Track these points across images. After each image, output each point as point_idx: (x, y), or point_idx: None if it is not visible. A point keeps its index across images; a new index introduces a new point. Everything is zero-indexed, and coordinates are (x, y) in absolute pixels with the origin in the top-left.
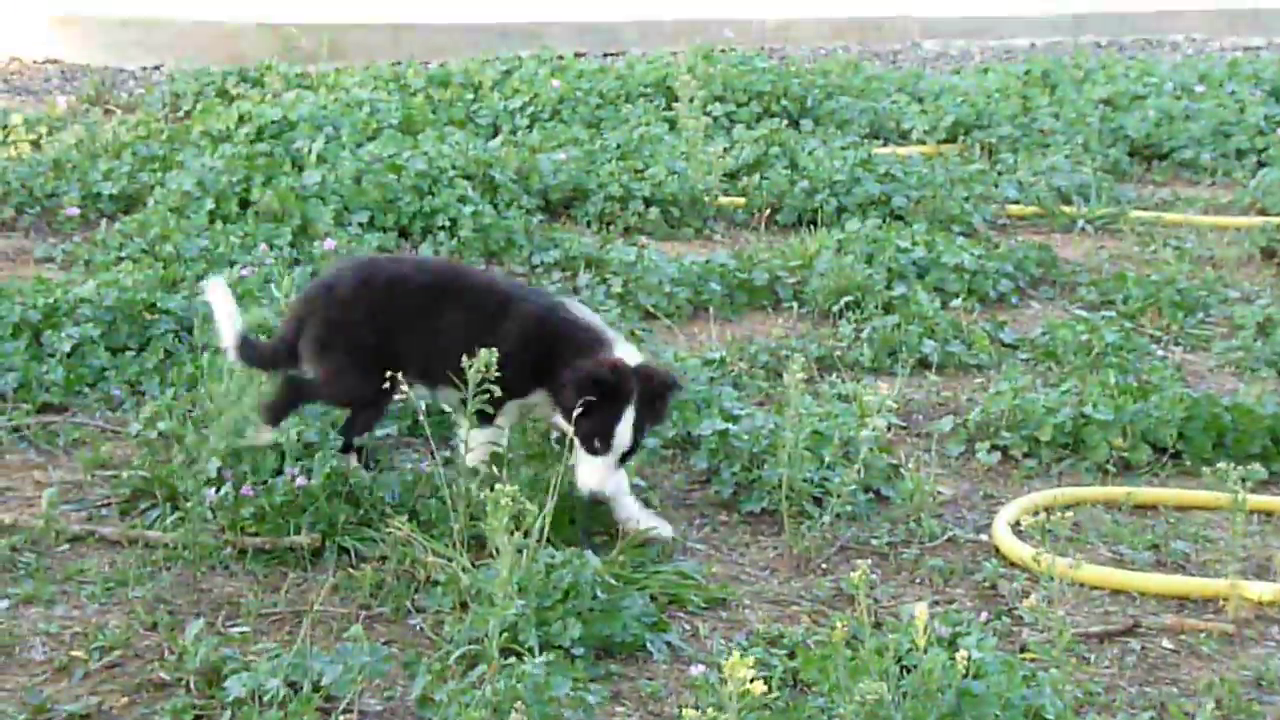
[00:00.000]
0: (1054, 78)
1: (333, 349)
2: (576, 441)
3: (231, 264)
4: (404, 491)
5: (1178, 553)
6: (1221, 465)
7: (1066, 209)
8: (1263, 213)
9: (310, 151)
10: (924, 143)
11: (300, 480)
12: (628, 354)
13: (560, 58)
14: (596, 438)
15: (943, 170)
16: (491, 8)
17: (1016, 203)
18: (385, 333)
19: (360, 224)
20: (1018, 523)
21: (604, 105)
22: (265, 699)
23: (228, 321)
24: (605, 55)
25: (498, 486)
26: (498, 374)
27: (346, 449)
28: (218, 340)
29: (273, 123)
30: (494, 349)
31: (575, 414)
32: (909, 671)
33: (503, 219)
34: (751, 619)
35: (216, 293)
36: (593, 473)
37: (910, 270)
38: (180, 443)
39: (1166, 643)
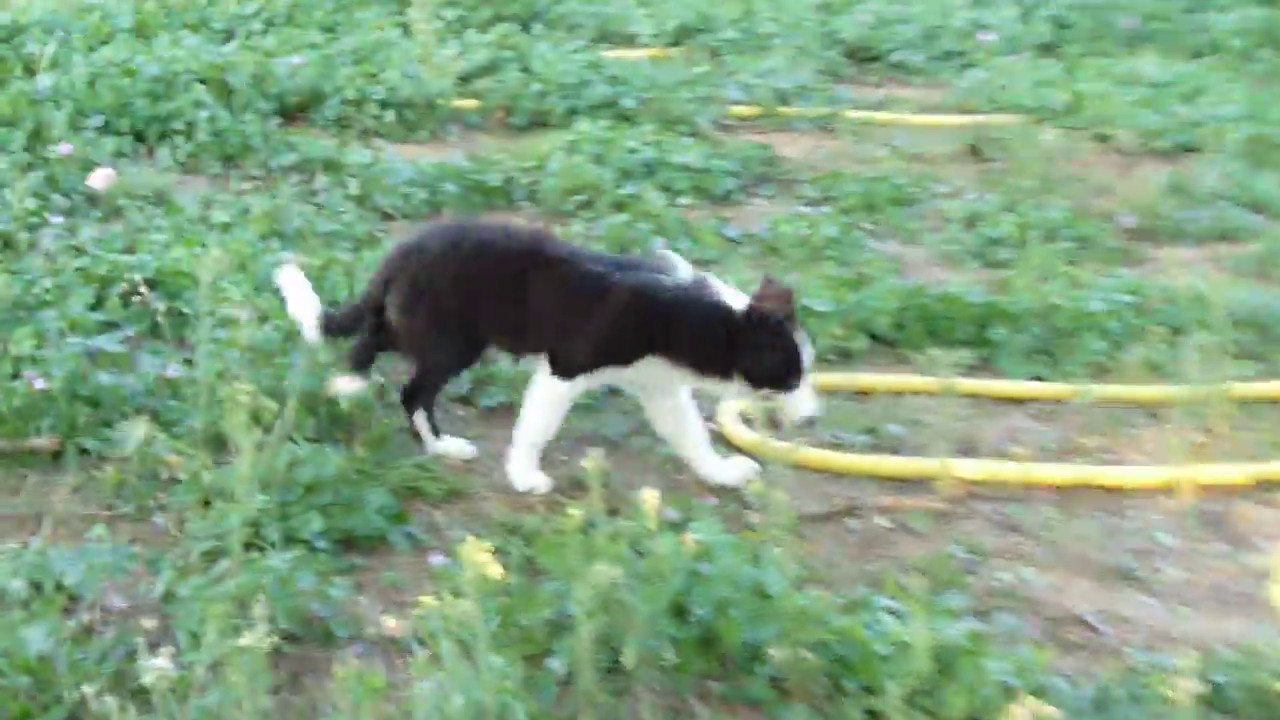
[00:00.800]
0: None
1: (417, 311)
2: (766, 386)
3: None
4: (145, 392)
5: (893, 436)
6: (933, 351)
7: (786, 109)
8: (969, 112)
9: (42, 55)
10: (650, 46)
11: (39, 383)
12: (724, 290)
13: None
14: (790, 371)
15: (669, 73)
16: None
17: (739, 104)
18: (470, 298)
19: (95, 129)
20: (743, 411)
21: (338, 10)
22: (7, 599)
23: (305, 306)
24: None
25: (235, 384)
26: (602, 345)
27: (409, 408)
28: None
29: (3, 26)
30: (595, 322)
31: (766, 361)
32: (641, 556)
33: (239, 123)
34: (489, 509)
35: (290, 278)
36: (806, 399)
37: (639, 169)
38: None
39: (882, 521)
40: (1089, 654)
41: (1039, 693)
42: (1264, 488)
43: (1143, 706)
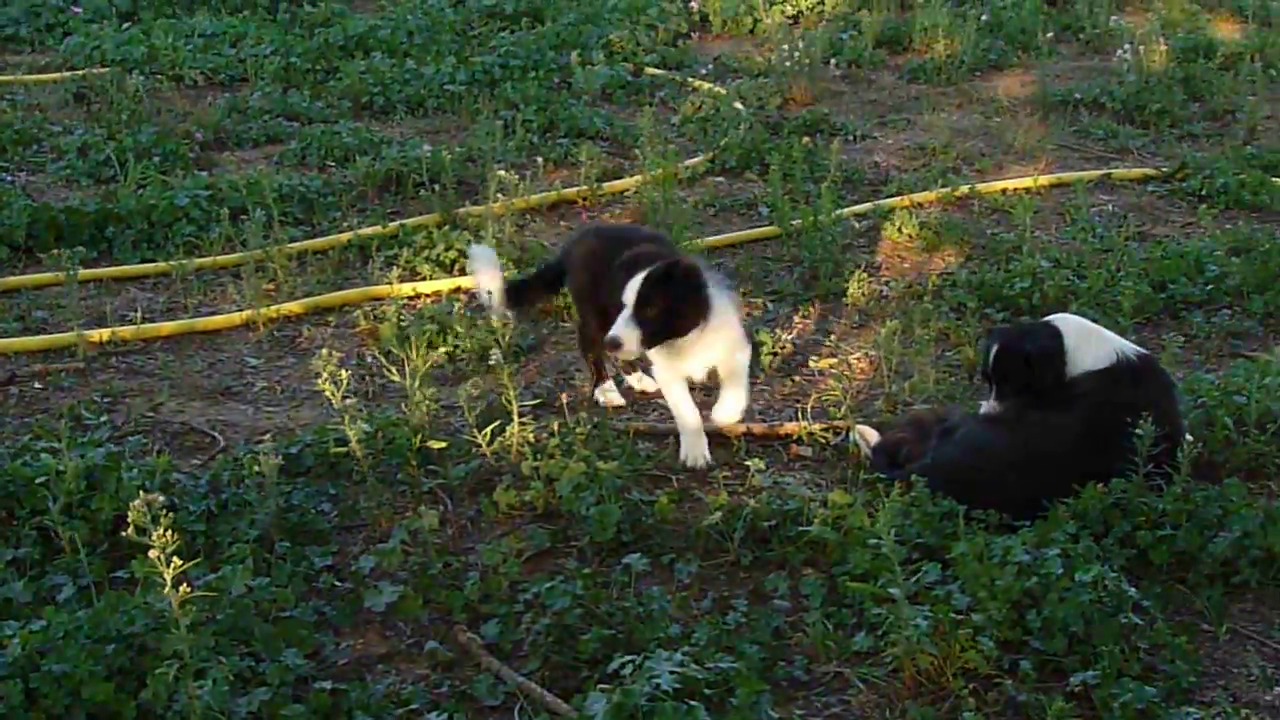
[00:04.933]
0: None
1: (580, 302)
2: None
3: None
4: None
5: (38, 319)
6: (60, 251)
7: None
8: (73, 69)
9: None
10: None
11: None
12: None
13: None
14: None
15: None
16: None
17: None
18: (595, 278)
19: None
20: None
21: None
22: None
23: (493, 283)
24: None
25: None
26: None
27: (582, 349)
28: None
29: None
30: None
31: None
32: None
33: None
34: None
35: (481, 258)
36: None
37: None
38: None
39: (38, 384)
40: (205, 454)
41: (166, 488)
42: (317, 312)
43: (246, 481)
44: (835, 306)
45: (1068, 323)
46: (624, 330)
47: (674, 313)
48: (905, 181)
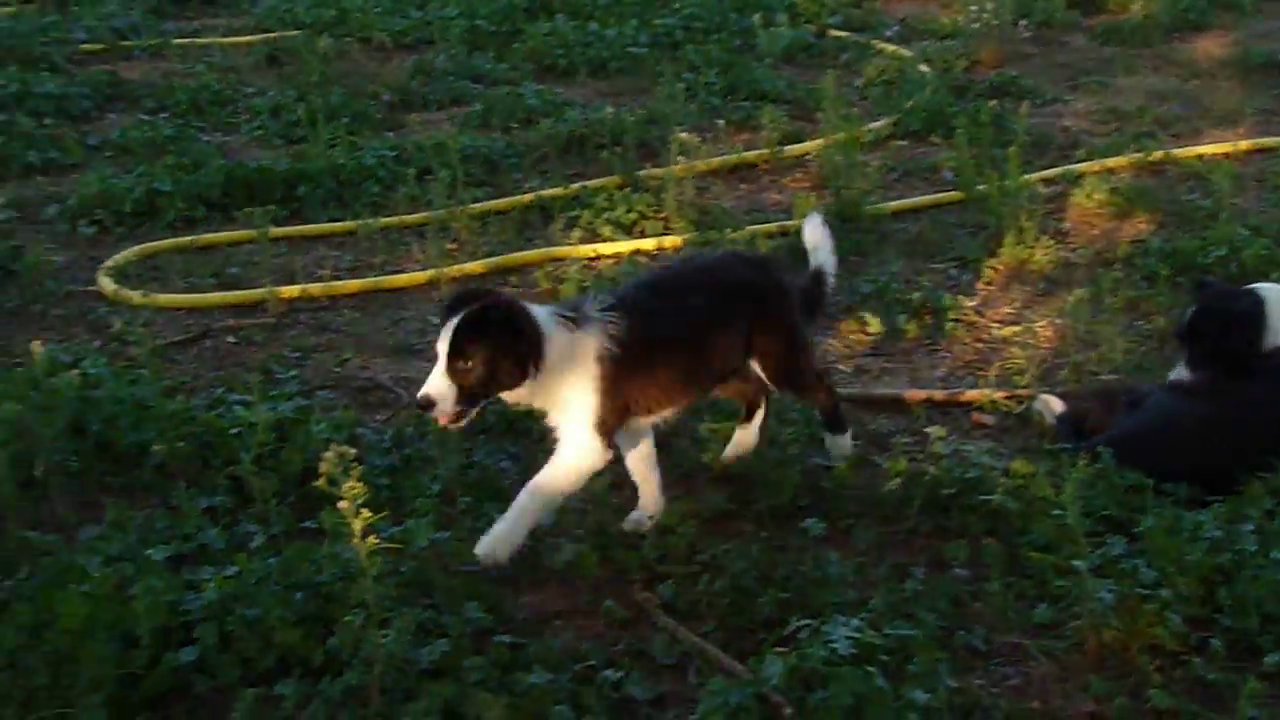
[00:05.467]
0: None
1: None
2: None
3: None
4: None
5: (232, 275)
6: (253, 210)
7: (125, 43)
8: (266, 31)
9: None
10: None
11: None
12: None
13: None
14: None
15: (24, 23)
16: None
17: (86, 42)
18: None
19: None
20: (115, 273)
21: None
22: None
23: (826, 255)
24: None
25: None
26: None
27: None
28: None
29: None
30: None
31: None
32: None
33: None
34: None
35: (813, 226)
36: None
37: (10, 100)
38: None
39: (231, 338)
40: (388, 410)
41: (352, 441)
42: (499, 272)
43: (429, 438)
44: (1020, 273)
45: (1272, 291)
46: (436, 386)
47: (491, 363)
48: (1096, 146)
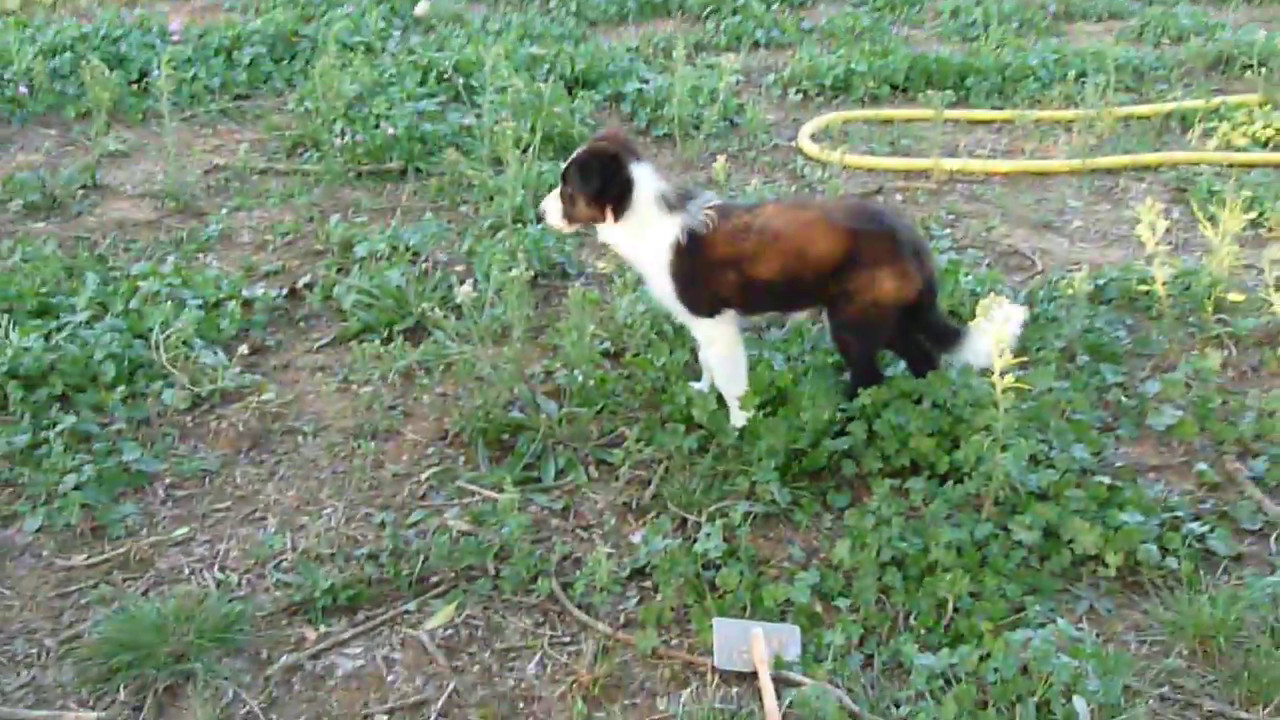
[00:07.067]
0: None
1: None
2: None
3: None
4: (452, 134)
5: (904, 146)
6: (929, 93)
7: None
8: None
9: None
10: None
11: (390, 130)
12: None
13: None
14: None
15: None
16: None
17: None
18: None
19: None
20: (813, 134)
21: None
22: (378, 255)
23: None
24: None
25: (505, 125)
26: None
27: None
28: None
29: None
30: None
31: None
32: None
33: None
34: None
35: None
36: None
37: None
38: (319, 112)
39: (900, 196)
40: (1024, 273)
41: (996, 293)
42: (1137, 169)
43: (1056, 300)
44: None
45: None
46: (548, 203)
47: (575, 197)
48: None
